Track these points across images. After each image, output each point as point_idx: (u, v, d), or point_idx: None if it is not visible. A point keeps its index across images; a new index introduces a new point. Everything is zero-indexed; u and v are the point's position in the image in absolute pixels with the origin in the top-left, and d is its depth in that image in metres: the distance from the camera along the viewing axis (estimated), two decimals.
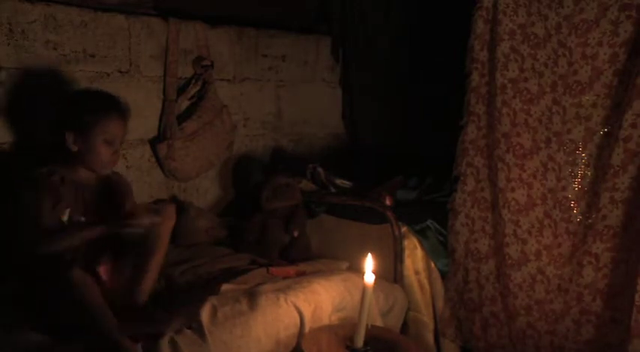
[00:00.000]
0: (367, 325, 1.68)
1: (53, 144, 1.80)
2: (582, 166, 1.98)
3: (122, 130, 1.83)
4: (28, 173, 1.74)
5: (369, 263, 1.70)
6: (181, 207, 2.54)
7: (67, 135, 1.74)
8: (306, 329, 1.88)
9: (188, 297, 1.88)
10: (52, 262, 1.62)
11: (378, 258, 1.77)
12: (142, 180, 2.43)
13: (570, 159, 1.99)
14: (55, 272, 1.59)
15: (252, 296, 1.88)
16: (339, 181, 2.67)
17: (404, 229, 2.31)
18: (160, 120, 2.44)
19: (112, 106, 1.81)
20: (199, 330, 1.68)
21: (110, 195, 1.89)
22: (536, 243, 2.06)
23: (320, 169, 2.67)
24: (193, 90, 2.52)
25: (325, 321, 1.96)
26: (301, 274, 2.17)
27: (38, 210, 1.68)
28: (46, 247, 1.65)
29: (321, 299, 1.98)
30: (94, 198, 1.84)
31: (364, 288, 1.66)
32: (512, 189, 2.09)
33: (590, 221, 1.95)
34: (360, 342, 1.67)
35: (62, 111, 1.81)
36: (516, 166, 2.09)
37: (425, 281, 2.32)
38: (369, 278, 1.66)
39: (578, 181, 1.99)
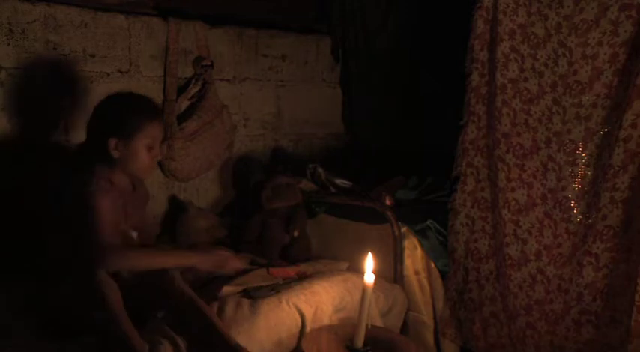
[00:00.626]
0: (367, 325, 1.68)
1: (87, 147, 1.77)
2: (582, 166, 1.97)
3: (162, 133, 1.80)
4: (78, 174, 1.68)
5: (369, 263, 1.70)
6: (181, 207, 2.54)
7: (109, 142, 1.68)
8: (307, 329, 1.88)
9: None
10: (79, 262, 1.60)
11: (378, 258, 1.77)
12: None
13: (570, 159, 1.99)
14: (80, 273, 1.57)
15: (253, 300, 1.88)
16: (339, 181, 2.67)
17: (404, 229, 2.31)
18: None
19: (152, 110, 1.78)
20: None
21: (138, 203, 1.86)
22: (537, 243, 2.06)
23: (320, 169, 2.66)
24: (193, 90, 2.52)
25: (326, 322, 1.96)
26: (301, 275, 2.17)
27: (101, 216, 1.61)
28: (116, 263, 1.62)
29: (321, 300, 1.98)
30: (130, 205, 1.80)
31: (364, 288, 1.66)
32: (513, 189, 2.09)
33: (590, 221, 1.95)
34: (360, 342, 1.67)
35: (102, 117, 1.74)
36: (516, 166, 2.08)
37: (425, 281, 2.32)
38: (369, 278, 1.66)
39: (578, 181, 1.99)
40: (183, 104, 2.50)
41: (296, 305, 1.91)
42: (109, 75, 2.27)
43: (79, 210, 1.63)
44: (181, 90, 2.50)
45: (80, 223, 1.63)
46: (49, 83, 2.11)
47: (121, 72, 2.31)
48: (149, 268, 1.69)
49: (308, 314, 1.91)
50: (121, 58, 2.30)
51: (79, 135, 2.19)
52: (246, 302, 1.87)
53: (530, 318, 2.09)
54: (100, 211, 1.63)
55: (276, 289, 1.97)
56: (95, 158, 1.72)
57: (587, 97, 1.94)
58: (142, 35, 2.35)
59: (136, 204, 1.84)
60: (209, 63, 2.54)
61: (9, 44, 1.99)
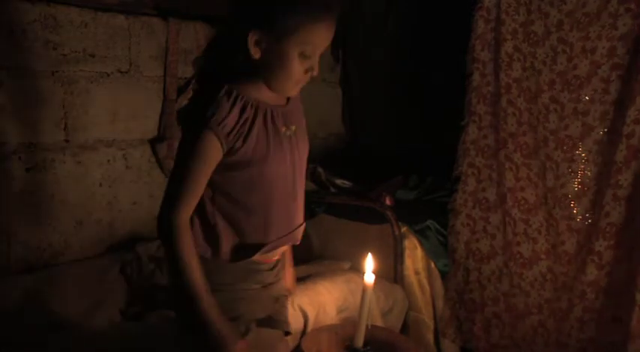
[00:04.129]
0: (367, 325, 1.68)
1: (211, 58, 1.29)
2: (582, 163, 1.97)
3: (328, 40, 1.28)
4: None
5: (369, 263, 1.70)
6: None
7: (250, 36, 1.18)
8: (309, 330, 1.88)
9: None
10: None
11: (378, 258, 1.76)
12: (142, 180, 2.43)
13: (568, 156, 1.99)
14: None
15: None
16: (339, 181, 2.66)
17: (404, 229, 2.30)
18: (160, 120, 2.44)
19: (325, 6, 1.22)
20: None
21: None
22: (546, 241, 2.06)
23: (320, 169, 2.66)
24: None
25: (329, 323, 1.96)
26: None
27: (184, 169, 1.21)
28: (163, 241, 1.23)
29: (324, 301, 1.98)
30: (293, 143, 1.38)
31: (364, 288, 1.65)
32: (522, 188, 2.09)
33: (591, 220, 1.95)
34: (360, 342, 1.67)
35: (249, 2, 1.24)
36: (524, 165, 2.08)
37: (425, 281, 2.31)
38: (369, 278, 1.65)
39: (578, 181, 1.98)
40: (184, 104, 2.50)
41: (300, 306, 1.90)
42: (109, 75, 2.27)
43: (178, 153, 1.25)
44: (181, 90, 2.50)
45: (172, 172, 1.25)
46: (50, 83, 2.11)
47: (121, 72, 2.31)
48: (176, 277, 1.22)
49: (311, 315, 1.91)
50: (121, 58, 2.30)
51: (79, 136, 2.20)
52: None
53: (541, 317, 2.08)
54: (188, 161, 1.21)
55: None
56: (220, 74, 1.25)
57: (585, 92, 1.94)
58: (141, 35, 2.35)
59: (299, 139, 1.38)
60: None
61: (9, 44, 1.99)
